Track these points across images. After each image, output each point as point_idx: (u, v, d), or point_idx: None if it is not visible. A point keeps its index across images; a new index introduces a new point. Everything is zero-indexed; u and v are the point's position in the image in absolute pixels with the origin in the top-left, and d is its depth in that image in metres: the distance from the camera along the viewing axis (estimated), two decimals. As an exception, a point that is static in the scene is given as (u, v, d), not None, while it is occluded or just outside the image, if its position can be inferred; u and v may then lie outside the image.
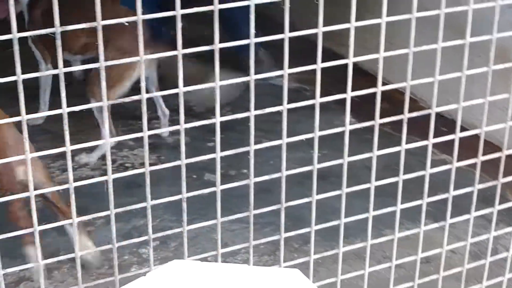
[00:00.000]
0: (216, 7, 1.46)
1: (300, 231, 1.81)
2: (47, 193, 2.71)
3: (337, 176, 1.78)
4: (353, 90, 1.69)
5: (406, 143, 1.77)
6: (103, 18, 1.39)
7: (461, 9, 1.73)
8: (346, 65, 1.65)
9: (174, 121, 4.01)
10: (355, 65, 1.66)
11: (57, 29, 1.35)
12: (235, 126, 3.83)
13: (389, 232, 1.99)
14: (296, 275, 1.33)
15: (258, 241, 1.77)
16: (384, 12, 1.63)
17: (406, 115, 1.74)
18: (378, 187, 1.80)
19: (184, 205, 1.61)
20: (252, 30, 1.52)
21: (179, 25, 1.46)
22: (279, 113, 1.65)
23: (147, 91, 3.91)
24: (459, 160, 1.87)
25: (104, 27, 1.39)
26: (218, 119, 1.58)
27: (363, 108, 2.06)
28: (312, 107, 1.67)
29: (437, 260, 2.05)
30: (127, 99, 1.56)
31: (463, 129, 1.85)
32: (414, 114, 1.77)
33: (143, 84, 1.50)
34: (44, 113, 1.52)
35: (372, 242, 1.88)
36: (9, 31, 1.37)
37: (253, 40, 1.53)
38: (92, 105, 1.59)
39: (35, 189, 1.51)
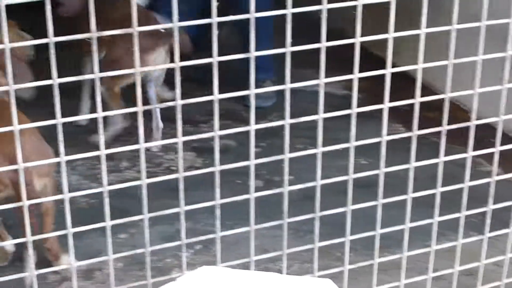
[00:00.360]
0: (253, 15, 1.44)
1: (334, 240, 1.79)
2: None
3: (377, 186, 1.75)
4: (403, 98, 1.67)
5: (454, 153, 1.74)
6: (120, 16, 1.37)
7: (502, 22, 1.69)
8: (396, 74, 1.63)
9: (224, 125, 3.99)
10: (406, 74, 1.63)
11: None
12: (281, 132, 3.83)
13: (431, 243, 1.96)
14: (327, 285, 1.31)
15: (292, 249, 1.75)
16: (423, 23, 1.60)
17: (445, 127, 1.71)
18: (424, 197, 1.77)
19: (218, 211, 1.59)
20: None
21: (215, 32, 1.44)
22: (326, 119, 1.63)
23: (146, 90, 3.96)
24: (506, 171, 1.84)
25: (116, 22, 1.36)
26: (252, 127, 1.56)
27: (412, 117, 2.02)
28: (360, 114, 1.64)
29: (480, 272, 2.01)
30: (162, 105, 1.55)
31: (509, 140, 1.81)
32: (454, 126, 1.73)
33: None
34: (73, 118, 1.50)
35: (408, 254, 1.85)
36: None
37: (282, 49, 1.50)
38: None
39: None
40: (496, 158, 1.81)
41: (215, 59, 1.45)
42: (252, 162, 1.58)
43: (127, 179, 3.58)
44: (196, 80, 3.78)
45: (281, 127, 1.59)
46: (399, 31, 1.59)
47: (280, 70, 1.62)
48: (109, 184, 1.57)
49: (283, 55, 1.54)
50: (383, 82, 1.79)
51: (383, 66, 1.64)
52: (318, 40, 1.53)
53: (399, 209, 1.87)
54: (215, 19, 1.43)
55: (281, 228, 1.69)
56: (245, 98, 4.26)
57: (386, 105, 1.64)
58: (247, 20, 1.50)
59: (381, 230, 1.78)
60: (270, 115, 4.19)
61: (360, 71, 1.63)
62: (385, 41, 1.60)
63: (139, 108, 1.48)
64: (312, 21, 1.59)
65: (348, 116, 1.64)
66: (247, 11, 1.45)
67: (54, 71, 1.35)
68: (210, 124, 4.04)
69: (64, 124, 1.44)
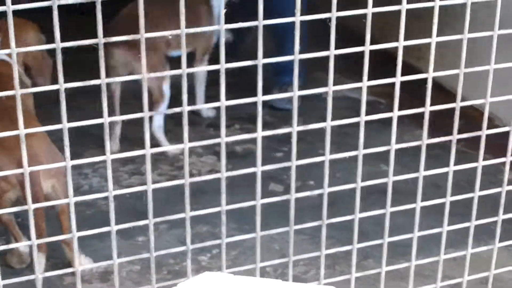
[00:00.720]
0: (261, 22, 1.42)
1: (341, 248, 1.76)
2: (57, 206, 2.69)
3: (400, 192, 1.73)
4: (423, 103, 1.64)
5: (475, 160, 1.71)
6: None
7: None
8: (421, 80, 1.60)
9: (246, 129, 3.99)
10: (433, 80, 1.61)
11: (100, 40, 1.32)
12: (306, 137, 3.83)
13: (451, 251, 1.93)
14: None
15: (297, 257, 1.73)
16: (466, 28, 1.57)
17: (456, 136, 1.68)
18: (443, 205, 1.75)
19: (223, 217, 1.57)
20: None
21: (222, 38, 1.42)
22: (351, 125, 1.61)
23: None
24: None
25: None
26: (259, 133, 1.54)
27: (436, 124, 1.99)
28: (383, 120, 1.62)
29: (497, 281, 1.99)
30: (169, 111, 1.53)
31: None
32: (465, 135, 1.70)
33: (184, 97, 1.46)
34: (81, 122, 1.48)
35: (417, 263, 1.82)
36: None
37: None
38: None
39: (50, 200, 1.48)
40: (507, 168, 1.78)
41: (222, 66, 1.43)
42: (259, 168, 1.55)
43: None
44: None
45: (305, 132, 1.57)
46: (439, 36, 1.57)
47: (309, 74, 1.60)
48: (130, 186, 1.55)
49: (310, 59, 1.52)
50: (407, 88, 1.77)
51: (408, 72, 1.61)
52: (348, 45, 1.51)
53: (422, 216, 1.85)
54: (223, 26, 1.41)
55: (298, 233, 1.67)
56: (269, 100, 4.32)
57: (395, 113, 1.61)
58: (281, 24, 1.48)
59: (389, 239, 1.75)
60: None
61: (386, 76, 1.61)
62: (411, 47, 1.58)
63: (184, 108, 1.47)
64: (342, 26, 1.57)
65: (368, 122, 1.62)
66: (280, 15, 1.44)
67: (60, 77, 1.34)
68: (234, 128, 4.04)
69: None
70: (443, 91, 3.45)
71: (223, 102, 1.49)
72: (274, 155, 3.64)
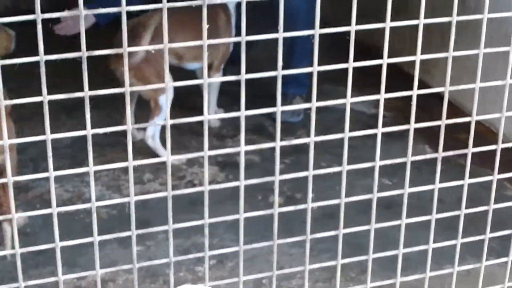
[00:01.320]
0: (281, 35, 1.41)
1: (355, 258, 1.74)
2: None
3: (401, 206, 1.71)
4: (435, 119, 1.63)
5: (483, 175, 1.69)
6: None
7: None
8: (430, 94, 1.58)
9: (250, 140, 3.97)
10: (438, 93, 1.59)
11: (83, 54, 1.31)
12: (307, 149, 3.80)
13: (450, 267, 1.91)
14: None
15: (313, 266, 1.70)
16: (482, 43, 1.55)
17: (471, 149, 1.66)
18: (448, 220, 1.73)
19: (206, 230, 1.55)
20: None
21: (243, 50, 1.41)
22: (354, 138, 1.59)
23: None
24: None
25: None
26: (242, 147, 1.52)
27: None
28: (387, 133, 1.60)
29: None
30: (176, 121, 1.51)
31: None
32: (479, 149, 1.68)
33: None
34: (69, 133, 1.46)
35: (429, 275, 1.81)
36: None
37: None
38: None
39: None
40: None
41: (243, 76, 1.41)
42: (242, 183, 1.53)
43: (149, 191, 3.55)
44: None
45: (307, 144, 1.55)
46: (432, 52, 1.55)
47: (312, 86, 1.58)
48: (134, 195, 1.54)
49: (318, 71, 1.50)
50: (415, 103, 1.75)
51: (418, 86, 1.60)
52: (357, 58, 1.50)
53: (419, 230, 1.83)
54: (244, 38, 1.40)
55: (297, 246, 1.64)
56: (273, 112, 4.31)
57: (412, 125, 1.59)
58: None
59: (404, 250, 1.73)
60: (298, 130, 4.16)
61: (394, 90, 1.59)
62: (421, 63, 1.56)
63: (205, 117, 1.45)
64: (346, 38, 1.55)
65: (372, 135, 1.60)
66: (287, 27, 1.42)
67: (44, 88, 1.32)
68: (238, 139, 4.02)
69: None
70: (449, 105, 3.44)
71: (243, 112, 1.47)
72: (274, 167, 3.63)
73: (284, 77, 1.44)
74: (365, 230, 1.69)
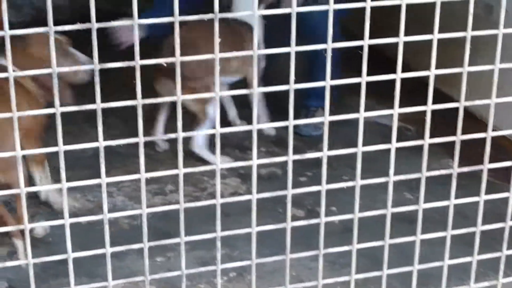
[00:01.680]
0: (293, 49, 1.40)
1: (369, 274, 1.72)
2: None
3: (426, 221, 1.69)
4: (456, 134, 1.61)
5: (506, 191, 1.67)
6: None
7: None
8: (455, 108, 1.57)
9: (271, 152, 3.97)
10: (465, 108, 1.58)
11: (96, 66, 1.30)
12: (332, 162, 3.81)
13: (477, 282, 1.89)
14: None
15: (327, 280, 1.69)
16: (497, 59, 1.54)
17: (486, 166, 1.64)
18: (469, 235, 1.71)
19: (218, 244, 1.54)
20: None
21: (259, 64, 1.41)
22: (376, 151, 1.58)
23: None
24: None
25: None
26: (255, 162, 1.50)
27: (466, 152, 1.96)
28: (411, 147, 1.59)
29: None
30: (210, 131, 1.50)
31: None
32: (494, 165, 1.65)
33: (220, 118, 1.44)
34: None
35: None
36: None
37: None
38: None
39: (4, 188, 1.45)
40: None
41: (255, 90, 1.41)
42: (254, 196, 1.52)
43: (171, 202, 3.55)
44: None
45: (329, 157, 1.54)
46: (471, 65, 1.54)
47: (341, 98, 1.57)
48: (152, 206, 1.53)
49: (341, 85, 1.50)
50: (438, 115, 1.73)
51: (440, 100, 1.58)
52: (383, 71, 1.49)
53: (441, 245, 1.81)
54: (255, 52, 1.39)
55: (316, 261, 1.63)
56: (296, 126, 4.32)
57: (427, 141, 1.57)
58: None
59: (419, 266, 1.71)
60: (320, 143, 4.15)
61: (419, 103, 1.58)
62: (448, 76, 1.55)
63: (217, 130, 1.45)
64: (375, 50, 1.54)
65: (398, 150, 1.58)
66: (314, 38, 1.42)
67: (56, 100, 1.32)
68: (260, 151, 4.02)
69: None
70: (473, 119, 3.42)
71: (255, 126, 1.46)
72: (298, 179, 3.61)
73: (306, 90, 1.43)
74: (389, 245, 1.68)
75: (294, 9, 1.36)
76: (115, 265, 2.83)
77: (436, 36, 1.48)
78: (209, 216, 2.68)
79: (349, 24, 3.60)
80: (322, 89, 1.45)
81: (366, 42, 1.43)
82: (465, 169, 1.62)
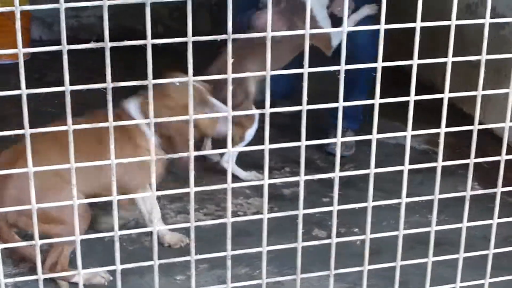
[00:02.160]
0: (306, 70, 1.39)
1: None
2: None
3: (451, 244, 1.67)
4: (483, 156, 1.59)
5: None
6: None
7: None
8: (481, 130, 1.55)
9: (296, 173, 3.95)
10: (491, 131, 1.56)
11: (109, 84, 1.30)
12: (358, 183, 3.79)
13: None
14: None
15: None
16: None
17: (500, 189, 1.61)
18: (495, 258, 1.68)
19: (229, 262, 1.52)
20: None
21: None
22: (401, 173, 1.56)
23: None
24: None
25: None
26: (266, 180, 1.49)
27: (490, 175, 1.94)
28: (442, 171, 1.57)
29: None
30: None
31: None
32: (506, 188, 1.63)
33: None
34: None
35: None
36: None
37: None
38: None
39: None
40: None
41: (267, 110, 1.40)
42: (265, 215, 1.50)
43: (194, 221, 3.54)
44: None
45: (356, 178, 1.52)
46: (487, 89, 1.52)
47: (369, 120, 1.56)
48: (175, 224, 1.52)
49: (371, 105, 1.48)
50: (466, 139, 1.72)
51: (469, 123, 1.57)
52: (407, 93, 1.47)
53: (471, 269, 1.78)
54: (268, 73, 1.39)
55: (340, 281, 1.61)
56: (327, 145, 4.32)
57: (439, 163, 1.54)
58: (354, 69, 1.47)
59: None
60: (347, 164, 4.13)
61: (446, 126, 1.56)
62: (473, 98, 1.53)
63: (266, 146, 1.44)
64: (403, 73, 1.53)
65: (422, 171, 1.57)
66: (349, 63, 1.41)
67: (69, 118, 1.31)
68: (284, 171, 4.01)
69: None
70: (500, 142, 3.38)
71: (267, 146, 1.46)
72: (321, 200, 3.60)
73: (337, 110, 1.41)
74: (411, 267, 1.65)
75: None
76: (135, 282, 2.85)
77: (450, 59, 1.47)
78: (232, 235, 2.68)
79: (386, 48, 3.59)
80: (353, 111, 1.44)
81: (380, 64, 1.42)
82: (478, 192, 1.61)
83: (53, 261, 2.75)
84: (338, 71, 1.43)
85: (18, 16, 1.20)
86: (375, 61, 1.42)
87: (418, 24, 1.40)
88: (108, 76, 1.30)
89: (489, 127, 1.55)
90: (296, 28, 3.70)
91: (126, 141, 2.76)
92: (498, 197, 1.60)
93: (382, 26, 1.39)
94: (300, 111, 1.44)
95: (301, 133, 1.45)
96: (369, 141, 1.52)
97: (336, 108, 1.47)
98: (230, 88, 1.36)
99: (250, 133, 3.86)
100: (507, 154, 1.62)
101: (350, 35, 1.52)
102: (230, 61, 1.30)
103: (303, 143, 1.46)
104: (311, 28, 1.35)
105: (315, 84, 1.44)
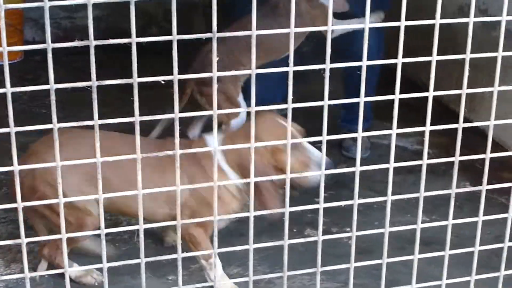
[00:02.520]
0: (291, 69, 1.39)
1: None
2: None
3: (441, 243, 1.67)
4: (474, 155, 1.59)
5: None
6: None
7: None
8: (473, 131, 1.55)
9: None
10: (482, 131, 1.56)
11: (94, 83, 1.30)
12: (350, 184, 3.77)
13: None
14: None
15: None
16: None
17: (485, 187, 1.61)
18: (485, 257, 1.68)
19: (218, 261, 1.51)
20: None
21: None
22: (395, 174, 1.56)
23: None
24: None
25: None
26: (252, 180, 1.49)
27: (482, 176, 1.95)
28: (433, 170, 1.57)
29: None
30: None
31: None
32: (493, 186, 1.63)
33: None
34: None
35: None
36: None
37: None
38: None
39: None
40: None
41: (253, 109, 1.40)
42: (251, 215, 1.50)
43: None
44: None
45: (349, 179, 1.53)
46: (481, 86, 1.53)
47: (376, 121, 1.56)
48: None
49: (377, 107, 1.48)
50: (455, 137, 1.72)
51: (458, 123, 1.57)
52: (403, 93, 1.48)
53: (463, 267, 1.78)
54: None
55: (333, 281, 1.61)
56: (344, 148, 4.28)
57: (424, 161, 1.55)
58: (354, 69, 1.47)
59: (417, 285, 1.70)
60: (340, 165, 4.13)
61: (435, 125, 1.57)
62: (468, 99, 1.53)
63: (252, 144, 1.43)
64: (402, 74, 1.53)
65: (415, 172, 1.57)
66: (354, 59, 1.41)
67: (54, 117, 1.31)
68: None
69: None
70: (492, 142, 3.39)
71: (253, 144, 1.45)
72: (313, 200, 3.60)
73: (346, 112, 1.41)
74: (400, 266, 1.65)
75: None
76: (130, 283, 2.85)
77: (434, 58, 1.47)
78: (225, 236, 2.68)
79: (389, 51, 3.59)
80: (363, 111, 1.44)
81: (365, 63, 1.42)
82: (464, 189, 1.61)
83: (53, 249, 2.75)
84: (346, 71, 1.43)
85: (2, 14, 1.20)
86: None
87: (403, 23, 1.41)
88: (93, 75, 1.30)
89: (475, 125, 1.55)
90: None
91: (200, 176, 2.56)
92: (483, 194, 1.60)
93: (382, 25, 1.39)
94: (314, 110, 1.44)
95: (287, 133, 1.45)
96: (378, 143, 1.52)
97: (346, 112, 1.47)
98: (215, 86, 1.35)
99: (235, 122, 3.67)
100: (498, 152, 1.62)
101: (356, 36, 1.52)
102: (215, 59, 1.30)
103: (289, 141, 1.46)
104: (315, 8, 1.35)
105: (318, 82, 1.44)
